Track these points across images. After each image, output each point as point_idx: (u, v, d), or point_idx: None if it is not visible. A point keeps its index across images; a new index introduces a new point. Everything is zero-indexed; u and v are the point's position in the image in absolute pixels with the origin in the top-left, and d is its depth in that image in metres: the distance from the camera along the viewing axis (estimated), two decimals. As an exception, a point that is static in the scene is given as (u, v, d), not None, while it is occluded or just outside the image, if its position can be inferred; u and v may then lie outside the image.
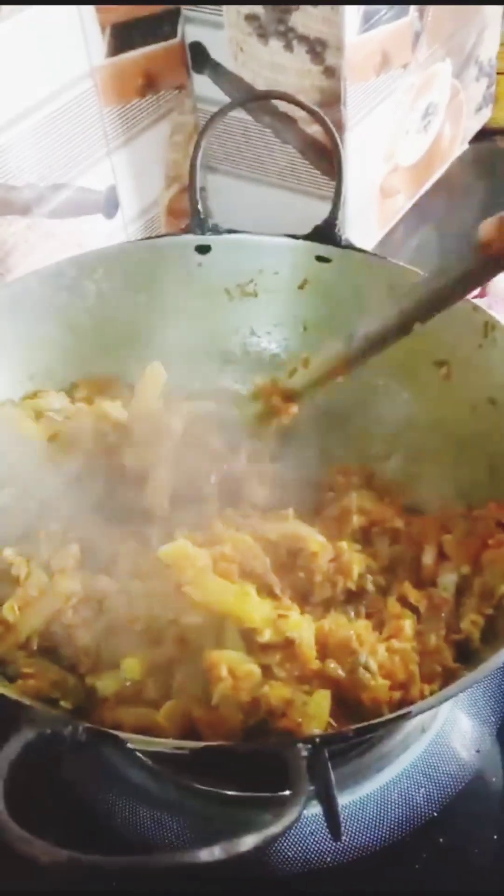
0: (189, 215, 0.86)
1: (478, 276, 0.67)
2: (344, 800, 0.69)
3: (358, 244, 1.09)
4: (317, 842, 0.67)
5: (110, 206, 1.07)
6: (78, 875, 0.45)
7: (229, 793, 0.69)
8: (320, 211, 1.02)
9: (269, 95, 1.02)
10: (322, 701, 0.59)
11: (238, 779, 0.68)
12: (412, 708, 0.55)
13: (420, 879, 0.66)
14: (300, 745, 0.50)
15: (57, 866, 0.43)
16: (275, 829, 0.44)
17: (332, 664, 0.63)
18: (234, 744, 0.56)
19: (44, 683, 0.61)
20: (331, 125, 0.83)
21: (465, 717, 0.75)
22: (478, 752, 0.72)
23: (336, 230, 0.83)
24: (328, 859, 0.67)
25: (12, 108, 0.92)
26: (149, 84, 1.06)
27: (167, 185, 1.14)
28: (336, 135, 0.83)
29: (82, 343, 0.84)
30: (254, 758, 0.56)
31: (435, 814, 0.69)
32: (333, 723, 0.60)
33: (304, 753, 0.50)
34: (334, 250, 0.83)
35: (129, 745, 0.51)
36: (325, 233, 0.83)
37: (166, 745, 0.53)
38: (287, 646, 0.62)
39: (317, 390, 0.77)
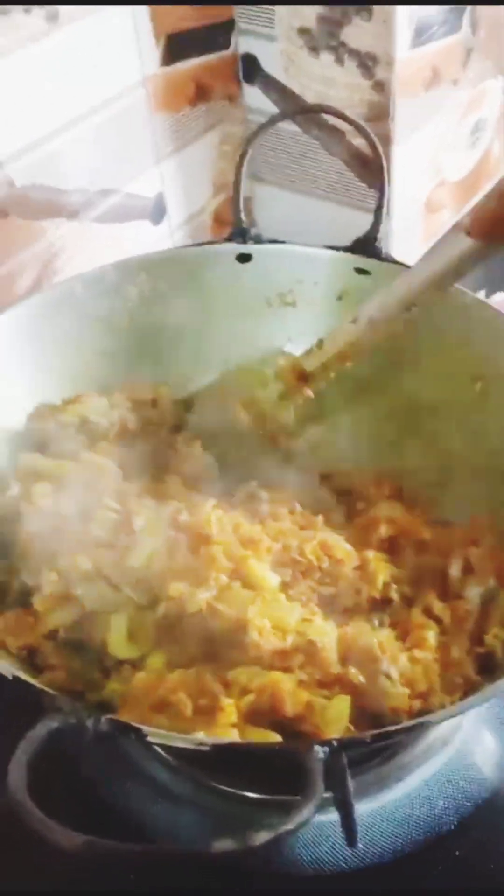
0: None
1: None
2: (362, 807, 0.70)
3: (401, 258, 1.11)
4: (332, 847, 0.69)
5: (157, 212, 1.09)
6: (94, 859, 0.46)
7: (250, 794, 0.71)
8: (365, 223, 1.04)
9: (314, 109, 1.04)
10: (342, 706, 0.60)
11: (259, 781, 0.70)
12: (430, 717, 0.56)
13: (434, 891, 0.67)
14: (317, 748, 0.51)
15: (74, 850, 0.45)
16: (287, 826, 0.46)
17: (353, 670, 0.64)
18: (253, 743, 0.58)
19: (69, 676, 0.63)
20: (374, 138, 0.84)
21: (489, 733, 0.76)
22: (498, 764, 0.73)
23: (377, 243, 0.84)
24: (343, 865, 0.68)
25: (65, 114, 0.95)
26: (200, 94, 1.09)
27: (214, 194, 1.16)
28: (380, 148, 0.84)
29: (123, 347, 0.86)
30: (271, 759, 0.57)
31: (453, 826, 0.70)
32: (353, 729, 0.61)
33: (321, 756, 0.51)
34: (374, 263, 0.84)
35: (149, 739, 0.52)
36: (366, 245, 0.84)
37: (186, 740, 0.54)
38: (309, 650, 0.63)
39: (330, 372, 0.79)
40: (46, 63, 0.90)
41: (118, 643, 0.64)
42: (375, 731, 0.55)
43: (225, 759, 0.67)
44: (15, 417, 0.80)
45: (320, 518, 0.74)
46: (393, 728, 0.56)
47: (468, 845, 0.69)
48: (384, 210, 0.84)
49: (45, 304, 0.82)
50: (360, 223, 0.88)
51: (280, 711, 0.60)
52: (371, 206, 1.06)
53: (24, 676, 0.58)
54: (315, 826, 0.69)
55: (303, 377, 0.80)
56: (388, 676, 0.64)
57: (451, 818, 0.70)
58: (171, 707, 0.60)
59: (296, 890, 0.68)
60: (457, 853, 0.69)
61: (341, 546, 0.71)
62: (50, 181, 0.96)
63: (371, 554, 0.72)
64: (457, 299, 0.79)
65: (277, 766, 0.64)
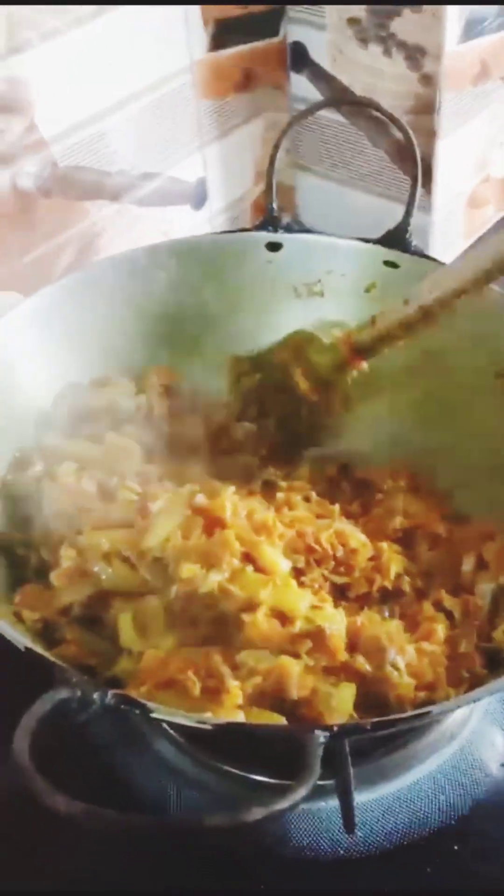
0: (279, 212, 0.88)
1: None
2: (364, 797, 0.71)
3: (442, 252, 1.11)
4: (331, 832, 0.69)
5: (199, 197, 1.11)
6: (92, 827, 0.47)
7: (257, 777, 0.71)
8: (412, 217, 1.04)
9: (351, 100, 1.05)
10: (347, 694, 0.61)
11: (266, 764, 0.71)
12: (433, 708, 0.57)
13: (429, 882, 0.68)
14: (318, 732, 0.52)
15: (73, 816, 0.46)
16: (281, 804, 0.47)
17: (360, 658, 0.65)
18: (253, 724, 0.58)
19: (83, 651, 0.65)
20: (408, 129, 0.84)
21: (497, 730, 0.76)
22: (503, 765, 0.73)
23: (407, 236, 0.84)
24: (341, 851, 0.69)
25: (111, 96, 0.97)
26: (246, 81, 1.10)
27: (256, 182, 1.17)
28: (414, 140, 0.84)
29: (151, 331, 0.87)
30: (272, 740, 0.58)
31: (453, 821, 0.70)
32: (356, 717, 0.62)
33: (322, 740, 0.51)
34: (403, 256, 0.85)
35: (153, 715, 0.54)
36: (397, 238, 0.85)
37: (189, 718, 0.55)
38: (317, 636, 0.64)
39: (382, 348, 0.79)
40: (94, 46, 0.92)
41: (128, 636, 0.66)
42: (376, 720, 0.56)
43: (231, 741, 0.69)
44: (42, 397, 0.82)
45: (337, 507, 0.75)
46: (394, 717, 0.57)
47: (467, 841, 0.69)
48: (415, 203, 0.84)
49: (74, 285, 0.84)
50: (398, 215, 0.88)
51: (285, 695, 0.61)
52: (418, 203, 1.08)
53: (35, 648, 0.59)
54: (315, 812, 0.70)
55: (357, 350, 0.80)
56: (396, 666, 0.65)
57: (453, 813, 0.70)
58: (179, 685, 0.61)
59: (292, 873, 0.68)
60: (455, 847, 0.69)
61: (356, 536, 0.72)
62: (94, 162, 0.98)
63: (385, 545, 0.72)
64: (483, 294, 0.79)
65: (282, 750, 0.65)
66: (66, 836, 0.67)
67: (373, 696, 0.65)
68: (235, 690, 0.60)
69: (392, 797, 0.71)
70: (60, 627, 0.67)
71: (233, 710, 0.60)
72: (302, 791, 0.48)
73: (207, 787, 0.72)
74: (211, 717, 0.57)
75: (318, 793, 0.67)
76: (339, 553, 0.72)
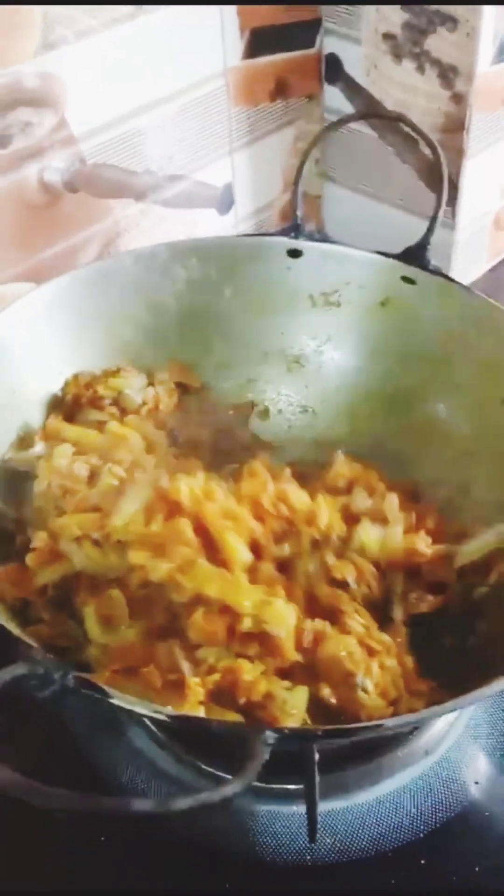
0: (304, 221, 0.90)
1: None
2: (335, 805, 0.72)
3: (464, 270, 1.12)
4: (298, 838, 0.70)
5: (225, 202, 1.12)
6: (16, 795, 0.48)
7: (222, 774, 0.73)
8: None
9: (382, 114, 1.06)
10: (300, 697, 0.62)
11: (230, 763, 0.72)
12: (386, 721, 0.58)
13: (393, 895, 0.68)
14: (269, 733, 0.52)
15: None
16: (210, 797, 0.48)
17: (326, 691, 0.65)
18: (206, 718, 0.59)
19: (56, 633, 0.66)
20: (437, 145, 0.85)
21: (478, 749, 0.76)
22: (477, 783, 0.74)
23: (426, 253, 0.85)
24: (307, 857, 0.70)
25: (144, 97, 0.98)
26: (280, 90, 1.11)
27: (283, 190, 1.18)
28: (442, 158, 0.85)
29: (166, 326, 0.89)
30: (225, 736, 0.58)
31: (422, 835, 0.71)
32: (308, 720, 0.63)
33: (270, 741, 0.52)
34: (421, 273, 0.86)
35: (112, 701, 0.55)
36: (416, 254, 0.86)
37: (146, 706, 0.56)
38: (263, 638, 0.65)
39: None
40: (129, 46, 0.94)
41: (93, 629, 0.67)
42: (329, 727, 0.58)
43: (191, 735, 0.71)
44: (52, 381, 0.84)
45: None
46: (347, 727, 0.58)
47: (434, 855, 0.70)
48: (438, 220, 0.85)
49: (94, 275, 0.85)
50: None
51: (236, 697, 0.62)
52: (443, 220, 1.09)
53: (2, 621, 0.61)
54: (285, 815, 0.71)
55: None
56: (365, 689, 0.66)
57: (422, 827, 0.71)
58: (144, 676, 0.62)
59: (255, 876, 0.69)
60: (422, 861, 0.69)
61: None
62: (121, 161, 0.99)
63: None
64: (494, 320, 0.80)
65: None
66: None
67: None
68: (196, 687, 0.61)
69: (363, 807, 0.72)
70: (37, 607, 0.69)
71: (195, 705, 0.61)
72: (235, 787, 0.48)
73: (181, 782, 0.73)
74: (167, 709, 0.57)
75: (287, 797, 0.70)
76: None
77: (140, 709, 0.55)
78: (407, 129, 1.04)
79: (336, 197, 1.20)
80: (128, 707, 0.55)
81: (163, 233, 1.06)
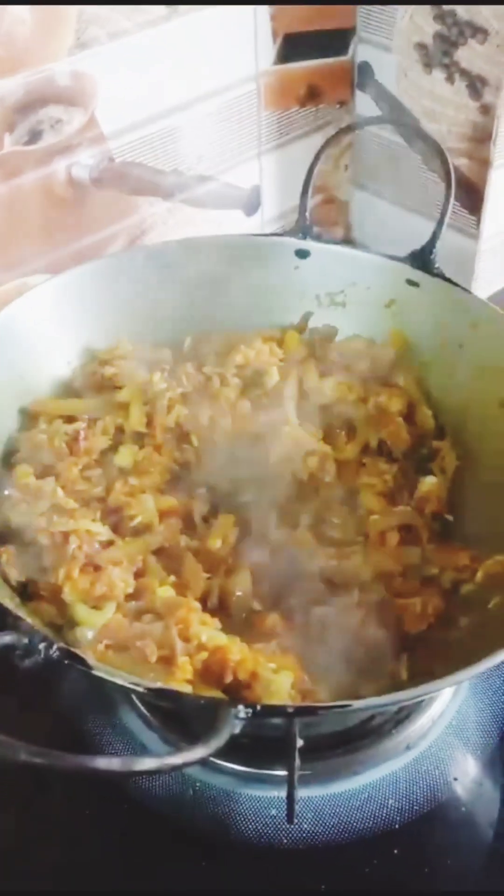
0: (330, 225, 0.93)
1: None
2: (315, 791, 0.75)
3: (487, 280, 1.14)
4: (277, 822, 0.73)
5: (252, 204, 1.16)
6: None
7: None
8: (456, 243, 1.07)
9: (393, 120, 1.12)
10: (285, 681, 0.64)
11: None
12: (354, 702, 0.59)
13: (364, 882, 0.71)
14: (240, 707, 0.55)
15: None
16: (173, 760, 0.51)
17: None
18: (180, 691, 0.61)
19: (53, 609, 0.70)
20: (447, 156, 0.88)
21: (459, 746, 0.78)
22: (456, 779, 0.76)
23: (432, 257, 0.87)
24: (284, 841, 0.72)
25: (174, 99, 1.03)
26: (311, 95, 1.15)
27: (312, 195, 1.21)
28: (450, 162, 0.88)
29: (174, 320, 0.92)
30: (198, 709, 0.61)
31: (397, 826, 0.73)
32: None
33: (241, 715, 0.55)
34: (425, 276, 0.88)
35: (94, 672, 0.58)
36: (421, 258, 0.88)
37: (125, 678, 0.58)
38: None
39: None
40: (161, 48, 0.98)
41: (82, 615, 0.70)
42: (300, 704, 0.61)
43: (168, 707, 0.74)
44: (60, 369, 0.88)
45: None
46: (316, 705, 0.61)
47: (408, 846, 0.72)
48: (444, 224, 0.87)
49: (105, 268, 0.90)
50: (450, 242, 0.92)
51: (223, 675, 0.64)
52: (462, 227, 1.11)
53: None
54: (263, 799, 0.74)
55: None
56: None
57: (398, 818, 0.73)
58: (138, 651, 0.65)
59: (232, 856, 0.72)
60: (395, 851, 0.72)
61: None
62: (150, 160, 1.03)
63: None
64: (495, 325, 0.83)
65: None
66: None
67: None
68: (185, 665, 0.64)
69: (342, 796, 0.75)
70: (39, 585, 0.72)
71: (183, 683, 0.63)
72: (199, 753, 0.51)
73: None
74: (144, 681, 0.60)
75: (268, 781, 0.73)
76: None
77: (119, 680, 0.58)
78: (434, 136, 1.08)
79: (365, 203, 1.23)
80: (108, 678, 0.58)
81: (188, 232, 1.09)
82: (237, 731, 0.55)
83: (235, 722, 0.55)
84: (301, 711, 0.58)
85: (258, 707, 0.56)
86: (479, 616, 0.73)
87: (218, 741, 0.53)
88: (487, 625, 0.69)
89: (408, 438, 0.86)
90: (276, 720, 0.57)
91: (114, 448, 0.84)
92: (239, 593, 0.76)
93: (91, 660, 0.59)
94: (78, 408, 0.85)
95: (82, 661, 0.58)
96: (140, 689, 0.59)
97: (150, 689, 0.59)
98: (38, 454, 0.80)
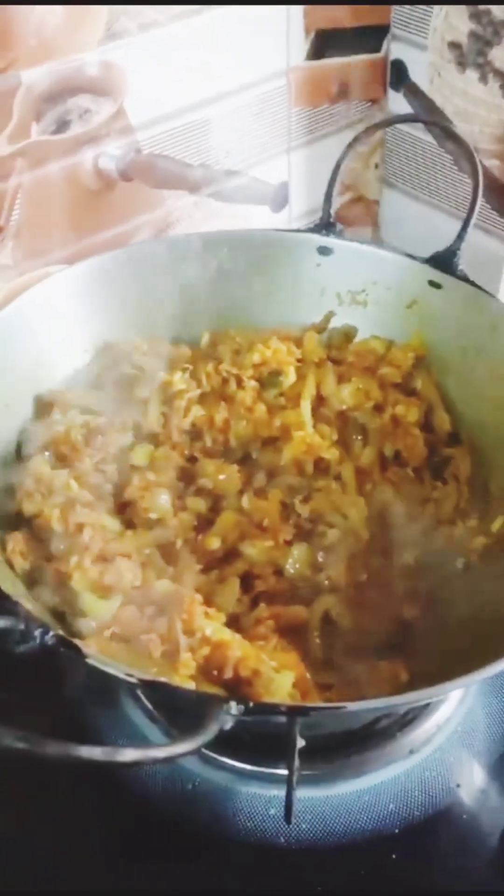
0: (358, 224, 0.94)
1: None
2: (316, 793, 0.75)
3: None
4: (276, 821, 0.74)
5: (279, 200, 1.16)
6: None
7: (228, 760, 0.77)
8: (485, 245, 1.07)
9: (419, 119, 1.12)
10: (286, 680, 0.65)
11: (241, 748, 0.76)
12: (348, 705, 0.60)
13: (360, 884, 0.71)
14: (233, 703, 0.55)
15: None
16: (156, 753, 0.52)
17: None
18: (172, 684, 0.62)
19: (58, 597, 0.71)
20: (476, 156, 0.88)
21: (464, 752, 0.79)
22: (458, 786, 0.76)
23: (455, 259, 0.88)
24: (282, 840, 0.73)
25: (203, 92, 1.03)
26: (342, 92, 1.15)
27: (340, 192, 1.21)
28: (479, 164, 0.88)
29: (192, 312, 0.93)
30: (190, 703, 0.61)
31: (397, 830, 0.74)
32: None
33: (234, 712, 0.55)
34: (447, 278, 0.88)
35: (88, 661, 0.58)
36: (445, 259, 0.88)
37: (118, 668, 0.59)
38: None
39: None
40: (192, 41, 0.99)
41: (89, 605, 0.71)
42: (293, 704, 0.61)
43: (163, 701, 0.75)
44: (76, 357, 0.89)
45: None
46: (308, 706, 0.62)
47: (406, 851, 0.72)
48: (470, 226, 0.88)
49: (127, 259, 0.90)
50: (478, 243, 0.92)
51: (222, 671, 0.64)
52: (490, 228, 1.11)
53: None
54: (263, 798, 0.75)
55: None
56: None
57: (398, 822, 0.74)
58: (142, 645, 0.66)
59: (229, 853, 0.73)
60: (393, 856, 0.72)
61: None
62: (177, 153, 1.04)
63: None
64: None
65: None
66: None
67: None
68: (188, 661, 0.64)
69: (343, 798, 0.75)
70: (43, 573, 0.73)
71: (185, 678, 0.64)
72: (184, 747, 0.52)
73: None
74: (136, 672, 0.60)
75: (268, 780, 0.73)
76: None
77: (112, 670, 0.58)
78: (466, 137, 1.08)
79: (394, 202, 1.24)
80: (100, 668, 0.58)
81: (214, 226, 1.10)
82: (228, 727, 0.55)
83: (226, 718, 0.55)
84: (294, 711, 0.58)
85: (251, 704, 0.57)
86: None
87: (205, 737, 0.53)
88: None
89: (424, 451, 0.87)
90: (274, 719, 0.58)
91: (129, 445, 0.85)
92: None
93: (85, 648, 0.60)
94: (94, 401, 0.86)
95: (76, 650, 0.59)
96: (132, 681, 0.59)
97: (141, 681, 0.60)
98: (55, 444, 0.80)
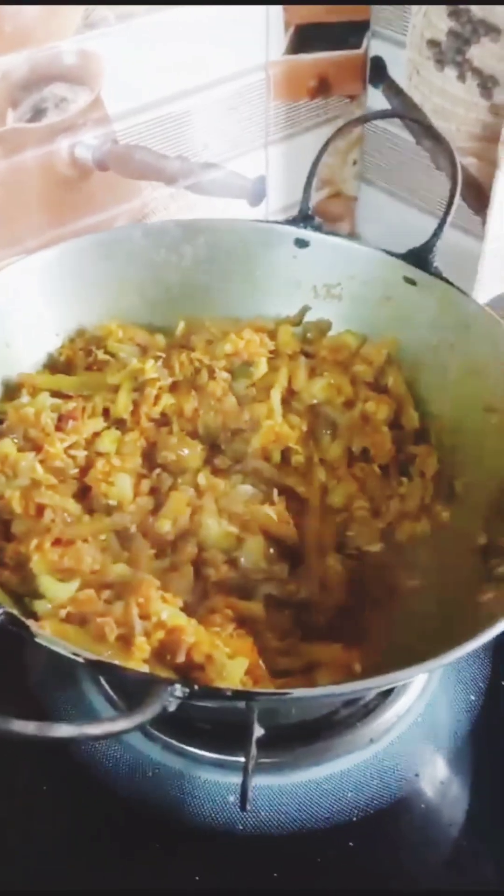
0: (335, 220, 0.94)
1: None
2: (273, 780, 0.76)
3: (491, 280, 1.15)
4: (232, 807, 0.74)
5: (256, 195, 1.17)
6: None
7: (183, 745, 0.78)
8: (461, 243, 1.08)
9: (399, 114, 1.13)
10: (238, 667, 0.65)
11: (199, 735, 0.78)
12: (293, 691, 0.61)
13: (316, 871, 0.72)
14: (177, 686, 0.56)
15: None
16: (91, 729, 0.52)
17: None
18: (118, 664, 0.62)
19: (16, 578, 0.71)
20: (454, 151, 0.89)
21: (425, 744, 0.80)
22: (417, 776, 0.77)
23: (431, 256, 0.89)
24: (238, 826, 0.74)
25: (181, 83, 1.04)
26: (321, 88, 1.16)
27: (318, 188, 1.22)
28: (458, 162, 0.89)
29: (166, 301, 0.94)
30: (135, 683, 0.61)
31: (354, 819, 0.74)
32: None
33: (178, 693, 0.56)
34: (423, 275, 0.89)
35: (37, 640, 0.59)
36: (421, 256, 0.89)
37: (65, 648, 0.59)
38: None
39: None
40: (171, 32, 0.99)
41: (47, 587, 0.71)
42: (237, 689, 0.62)
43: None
44: (48, 341, 0.91)
45: None
46: (251, 690, 0.63)
47: (363, 839, 0.73)
48: (447, 224, 0.88)
49: (100, 243, 0.91)
50: (454, 242, 0.94)
51: (175, 655, 0.65)
52: (468, 228, 1.12)
53: None
54: (221, 785, 0.76)
55: None
56: None
57: (353, 811, 0.74)
58: (98, 628, 0.66)
59: (184, 838, 0.74)
60: (350, 844, 0.73)
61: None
62: (155, 145, 1.05)
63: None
64: (487, 328, 0.84)
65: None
66: None
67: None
68: (143, 645, 0.65)
69: (301, 786, 0.76)
70: (7, 552, 0.74)
71: (139, 662, 0.65)
72: (120, 725, 0.52)
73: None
74: (83, 652, 0.60)
75: (227, 767, 0.74)
76: None
77: (61, 650, 0.59)
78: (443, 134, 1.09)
79: (371, 199, 1.25)
80: (49, 647, 0.59)
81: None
82: (172, 708, 0.56)
83: (170, 700, 0.56)
84: (238, 695, 0.59)
85: (196, 687, 0.57)
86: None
87: (143, 716, 0.54)
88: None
89: (392, 449, 0.87)
90: (227, 704, 0.59)
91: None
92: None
93: (34, 628, 0.60)
94: (65, 384, 0.86)
95: (26, 628, 0.60)
96: (79, 660, 0.59)
97: (87, 661, 0.60)
98: (23, 427, 0.81)
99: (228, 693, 0.59)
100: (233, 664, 0.65)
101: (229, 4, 1.02)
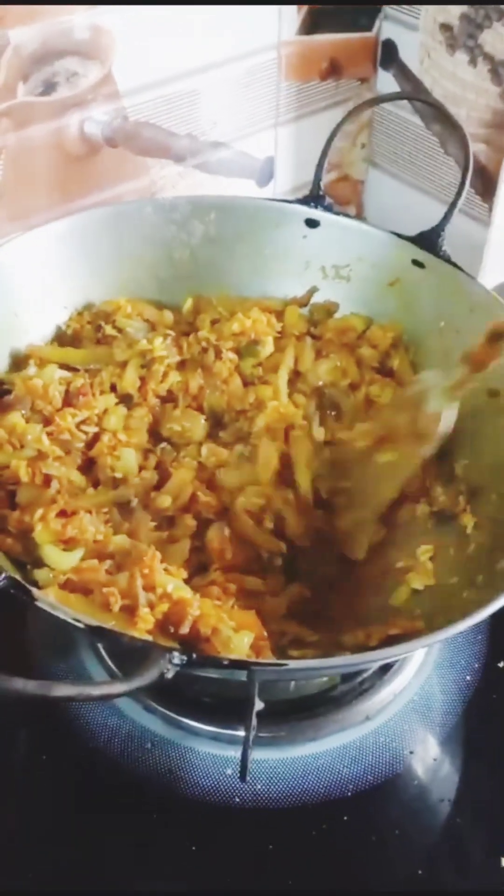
0: (342, 203, 0.96)
1: None
2: (272, 754, 0.78)
3: (493, 268, 1.17)
4: (231, 780, 0.76)
5: (264, 175, 1.18)
6: None
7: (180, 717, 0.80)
8: (468, 229, 1.09)
9: (411, 97, 1.14)
10: (243, 640, 0.67)
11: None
12: (290, 662, 0.63)
13: (311, 844, 0.74)
14: (175, 654, 0.58)
15: None
16: (91, 690, 0.54)
17: None
18: (119, 630, 0.63)
19: (19, 546, 0.73)
20: (468, 137, 0.90)
21: (418, 721, 0.82)
22: (411, 753, 0.79)
23: (440, 239, 0.90)
24: (236, 799, 0.76)
25: (193, 61, 1.05)
26: (333, 70, 1.17)
27: (327, 170, 1.23)
28: (470, 147, 0.90)
29: (174, 276, 0.96)
30: (134, 650, 0.61)
31: (349, 794, 0.76)
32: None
33: (176, 661, 0.57)
34: (431, 258, 0.91)
35: (37, 603, 0.61)
36: (429, 239, 0.91)
37: (67, 613, 0.61)
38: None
39: None
40: (183, 9, 1.00)
41: (50, 556, 0.73)
42: (234, 658, 0.63)
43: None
44: (57, 313, 0.92)
45: None
46: (248, 661, 0.64)
47: (357, 814, 0.75)
48: (457, 208, 0.90)
49: (111, 217, 0.93)
50: (462, 228, 0.95)
51: (179, 626, 0.67)
52: (476, 214, 1.14)
53: None
54: (219, 758, 0.78)
55: None
56: None
57: (350, 786, 0.76)
58: (102, 597, 0.68)
59: (183, 809, 0.75)
60: (345, 818, 0.75)
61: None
62: (165, 122, 1.06)
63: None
64: (493, 312, 0.85)
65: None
66: None
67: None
68: (147, 616, 0.66)
69: (298, 761, 0.78)
70: (9, 520, 0.75)
71: (143, 633, 0.66)
72: (118, 688, 0.55)
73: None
74: (84, 617, 0.61)
75: (226, 740, 0.76)
76: None
77: (62, 615, 0.60)
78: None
79: (379, 183, 1.26)
80: (50, 611, 0.60)
81: (198, 197, 1.12)
82: (170, 676, 0.57)
83: (168, 667, 0.57)
84: (235, 665, 0.60)
85: (193, 655, 0.59)
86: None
87: (141, 680, 0.56)
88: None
89: None
90: (222, 672, 0.61)
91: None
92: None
93: (37, 593, 0.62)
94: (73, 357, 0.88)
95: (27, 592, 0.61)
96: (80, 626, 0.61)
97: (88, 626, 0.61)
98: (31, 399, 0.83)
99: (225, 662, 0.61)
100: (238, 637, 0.66)
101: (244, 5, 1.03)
